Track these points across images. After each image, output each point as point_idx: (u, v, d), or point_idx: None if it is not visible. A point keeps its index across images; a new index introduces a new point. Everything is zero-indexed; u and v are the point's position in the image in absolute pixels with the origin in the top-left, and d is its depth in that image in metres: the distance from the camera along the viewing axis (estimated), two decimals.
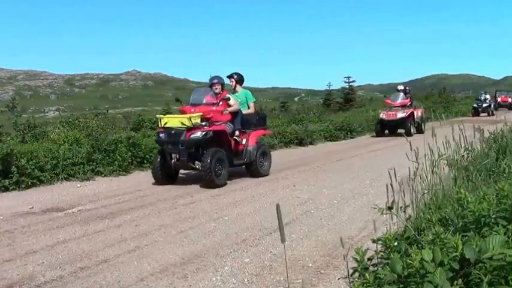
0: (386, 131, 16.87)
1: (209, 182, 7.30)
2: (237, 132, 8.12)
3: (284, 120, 17.09)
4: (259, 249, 4.27)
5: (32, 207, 6.28)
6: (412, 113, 16.79)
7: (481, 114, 26.99)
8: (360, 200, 6.21)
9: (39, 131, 11.00)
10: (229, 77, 8.86)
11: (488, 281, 1.51)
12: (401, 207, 2.69)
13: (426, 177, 3.41)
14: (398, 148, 11.73)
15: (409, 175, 3.23)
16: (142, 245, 4.52)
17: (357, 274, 1.92)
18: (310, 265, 3.82)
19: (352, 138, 16.73)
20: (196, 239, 4.67)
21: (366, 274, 1.79)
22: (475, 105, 28.82)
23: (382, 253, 2.03)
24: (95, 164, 8.73)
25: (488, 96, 30.13)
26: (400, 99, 17.31)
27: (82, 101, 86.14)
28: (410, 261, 1.61)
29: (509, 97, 35.35)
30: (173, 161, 7.58)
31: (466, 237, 1.71)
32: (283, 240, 1.82)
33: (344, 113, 22.39)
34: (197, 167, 7.48)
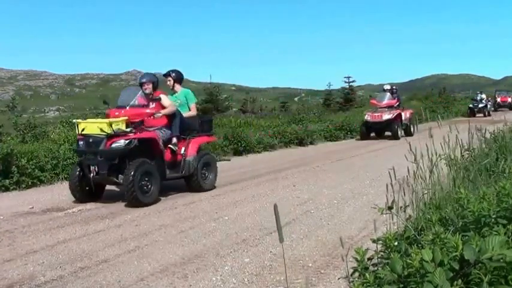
0: (373, 134, 15.93)
1: (132, 200, 6.05)
2: (174, 140, 6.87)
3: (284, 120, 17.11)
4: (259, 249, 4.28)
5: (32, 207, 6.28)
6: (400, 115, 15.78)
7: (477, 115, 25.88)
8: (360, 200, 6.21)
9: (39, 131, 11.02)
10: (166, 75, 7.74)
11: (488, 281, 1.51)
12: (401, 207, 2.70)
13: (426, 177, 3.41)
14: (398, 148, 11.73)
15: (409, 175, 3.23)
16: (142, 244, 4.52)
17: (357, 274, 1.93)
18: (310, 265, 3.82)
19: (352, 138, 16.73)
20: (197, 238, 4.67)
21: (366, 274, 1.80)
22: (470, 105, 27.84)
23: (382, 253, 2.04)
24: None
25: (484, 96, 29.10)
26: (387, 99, 16.13)
27: (82, 101, 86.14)
28: (410, 261, 1.62)
29: (509, 97, 34.50)
30: (92, 174, 6.29)
31: (466, 237, 1.72)
32: (281, 240, 1.82)
33: (344, 113, 22.39)
34: (120, 181, 6.23)
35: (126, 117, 6.35)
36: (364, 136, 15.73)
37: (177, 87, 7.70)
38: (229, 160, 11.14)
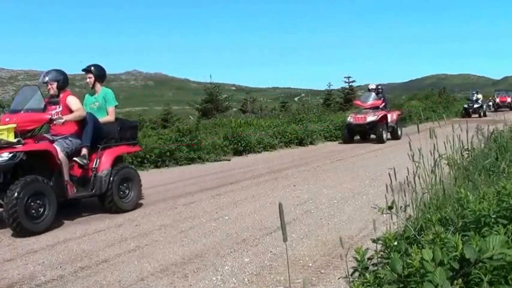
0: (358, 137, 15.18)
1: (15, 227, 4.79)
2: (83, 151, 5.65)
3: (284, 120, 17.09)
4: (259, 249, 4.28)
5: None
6: (385, 116, 14.61)
7: (472, 116, 24.73)
8: (359, 200, 6.21)
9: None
10: (86, 71, 6.54)
11: (488, 280, 1.51)
12: (401, 207, 2.70)
13: (426, 177, 3.42)
14: (398, 148, 11.74)
15: (409, 175, 3.23)
16: (142, 244, 4.52)
17: (356, 274, 1.93)
18: (310, 265, 3.83)
19: None
20: (197, 238, 4.67)
21: (366, 274, 1.80)
22: (465, 105, 26.77)
23: (382, 253, 2.04)
24: None
25: (480, 96, 27.90)
26: (372, 99, 15.00)
27: (82, 101, 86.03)
28: (410, 261, 1.62)
29: (509, 97, 33.11)
30: None
31: (466, 237, 1.72)
32: (285, 239, 1.82)
33: (344, 113, 22.37)
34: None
35: (15, 125, 5.10)
36: (347, 140, 14.71)
37: (98, 86, 6.54)
38: (229, 160, 11.15)
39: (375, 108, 14.78)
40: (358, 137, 15.29)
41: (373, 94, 15.25)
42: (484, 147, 4.96)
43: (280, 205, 1.80)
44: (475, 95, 27.56)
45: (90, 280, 3.63)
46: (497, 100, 32.77)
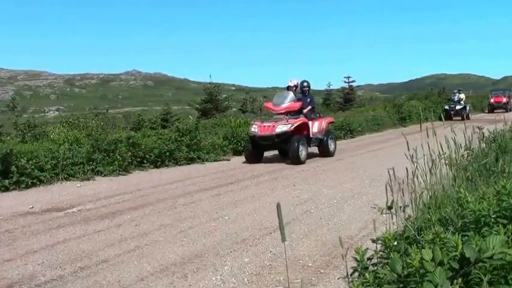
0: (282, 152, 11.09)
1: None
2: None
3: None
4: (259, 249, 4.28)
5: (32, 207, 6.28)
6: (305, 125, 10.45)
7: (454, 118, 21.38)
8: (359, 200, 6.21)
9: (39, 130, 11.03)
10: None
11: (488, 280, 1.51)
12: (400, 207, 2.70)
13: (426, 176, 3.41)
14: (398, 148, 11.72)
15: (408, 175, 3.23)
16: (142, 244, 4.52)
17: (356, 274, 1.93)
18: (310, 265, 3.83)
19: (352, 138, 16.73)
20: (196, 238, 4.67)
21: (366, 274, 1.79)
22: (446, 107, 23.18)
23: (381, 253, 2.03)
24: (94, 163, 8.73)
25: (462, 95, 24.55)
26: (288, 101, 10.60)
27: (82, 101, 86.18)
28: (410, 261, 1.62)
29: (504, 96, 29.63)
30: None
31: (466, 237, 1.72)
32: (283, 239, 1.82)
33: (344, 113, 22.40)
34: None
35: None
36: (251, 157, 10.40)
37: None
38: (228, 160, 11.13)
39: (292, 113, 10.54)
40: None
41: (291, 94, 10.78)
42: (484, 147, 4.96)
43: (278, 205, 1.80)
44: (457, 94, 24.47)
45: (90, 280, 3.63)
46: (492, 100, 29.80)
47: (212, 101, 22.23)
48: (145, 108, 62.79)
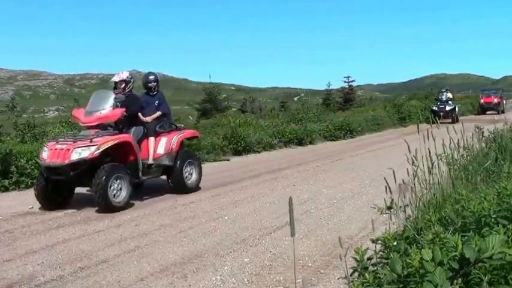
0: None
1: None
2: None
3: (284, 119, 17.08)
4: (259, 249, 4.28)
5: (32, 207, 6.27)
6: (127, 146, 6.42)
7: (442, 121, 16.08)
8: (359, 200, 6.21)
9: (38, 131, 11.01)
10: None
11: (488, 280, 1.51)
12: (400, 207, 2.70)
13: (425, 177, 3.41)
14: (398, 148, 11.72)
15: (408, 175, 3.23)
16: (142, 244, 4.52)
17: (356, 274, 1.93)
18: (309, 265, 3.83)
19: (352, 138, 16.72)
20: (196, 238, 4.67)
21: (366, 274, 1.80)
22: (434, 107, 21.15)
23: (381, 253, 2.03)
24: None
25: (450, 95, 22.35)
26: (107, 107, 6.51)
27: (82, 101, 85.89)
28: (409, 261, 1.62)
29: (496, 97, 27.07)
30: None
31: (466, 237, 1.72)
32: (292, 234, 1.82)
33: (344, 113, 22.40)
34: None
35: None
36: (43, 199, 6.23)
37: None
38: (228, 160, 11.13)
39: (107, 128, 6.52)
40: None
41: (111, 96, 6.65)
42: (483, 147, 4.96)
43: (290, 200, 1.80)
44: (445, 93, 22.27)
45: (90, 280, 3.62)
46: (482, 101, 27.09)
47: (212, 101, 22.23)
48: None
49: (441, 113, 19.35)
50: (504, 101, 27.93)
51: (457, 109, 21.86)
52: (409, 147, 3.27)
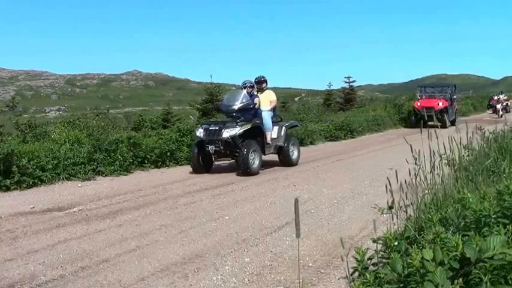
0: None
1: None
2: None
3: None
4: (259, 249, 4.28)
5: (33, 207, 6.28)
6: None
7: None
8: (360, 200, 6.21)
9: (40, 131, 11.02)
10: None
11: (488, 280, 1.52)
12: (401, 207, 2.70)
13: (426, 177, 3.42)
14: (398, 148, 11.73)
15: (409, 175, 3.23)
16: (143, 244, 4.53)
17: (357, 274, 1.93)
18: (310, 264, 3.83)
19: (352, 138, 16.72)
20: (197, 238, 4.67)
21: (366, 273, 1.80)
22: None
23: (382, 253, 2.04)
24: (96, 163, 8.73)
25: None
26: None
27: (83, 101, 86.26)
28: (410, 261, 1.62)
29: (441, 99, 19.72)
30: None
31: (467, 237, 1.72)
32: (297, 235, 1.82)
33: (344, 113, 22.40)
34: None
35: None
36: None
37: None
38: (229, 160, 11.13)
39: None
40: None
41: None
42: (484, 147, 4.96)
43: (296, 201, 1.81)
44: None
45: (91, 280, 3.63)
46: (418, 103, 19.89)
47: (213, 101, 22.22)
48: (146, 108, 62.86)
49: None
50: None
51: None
52: (411, 147, 3.28)
